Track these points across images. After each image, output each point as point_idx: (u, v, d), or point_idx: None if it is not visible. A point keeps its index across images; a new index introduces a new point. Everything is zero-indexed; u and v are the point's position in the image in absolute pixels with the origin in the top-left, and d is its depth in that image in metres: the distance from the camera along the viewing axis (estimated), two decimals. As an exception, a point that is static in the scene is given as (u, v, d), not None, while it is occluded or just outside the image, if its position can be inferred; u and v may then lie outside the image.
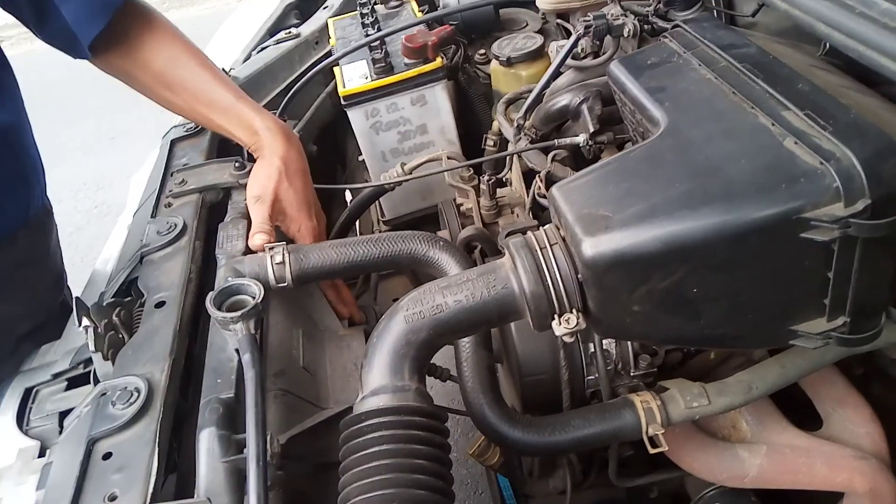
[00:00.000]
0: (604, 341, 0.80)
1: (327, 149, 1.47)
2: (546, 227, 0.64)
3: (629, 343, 0.80)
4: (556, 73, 1.01)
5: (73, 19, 0.90)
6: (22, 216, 0.99)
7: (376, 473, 0.55)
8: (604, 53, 0.99)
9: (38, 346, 0.93)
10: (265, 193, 0.89)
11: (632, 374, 0.80)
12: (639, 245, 0.56)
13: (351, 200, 1.27)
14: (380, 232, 1.33)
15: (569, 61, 0.99)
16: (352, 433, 0.59)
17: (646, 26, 0.92)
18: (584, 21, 0.94)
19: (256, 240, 0.84)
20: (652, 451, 0.72)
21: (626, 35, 0.92)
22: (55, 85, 3.71)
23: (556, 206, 0.62)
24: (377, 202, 1.29)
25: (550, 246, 0.61)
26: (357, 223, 1.25)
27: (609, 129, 0.97)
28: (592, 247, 0.57)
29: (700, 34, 0.74)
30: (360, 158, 1.37)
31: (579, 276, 0.60)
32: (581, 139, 0.94)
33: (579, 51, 0.99)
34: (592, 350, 0.81)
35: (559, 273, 0.60)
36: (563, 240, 0.62)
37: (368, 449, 0.57)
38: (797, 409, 0.83)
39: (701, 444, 0.82)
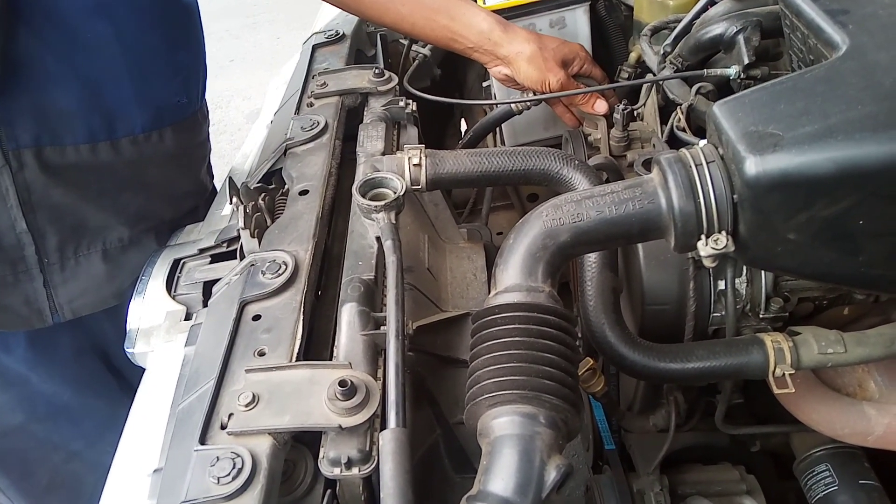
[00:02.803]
0: (735, 280, 0.78)
1: (448, 75, 1.47)
2: (701, 143, 0.62)
3: (762, 284, 0.78)
4: (712, 1, 0.95)
5: None
6: (200, 99, 1.08)
7: (507, 361, 0.57)
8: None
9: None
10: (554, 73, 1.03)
11: (760, 316, 0.78)
12: (810, 166, 0.54)
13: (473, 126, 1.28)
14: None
15: (728, -11, 0.93)
16: (484, 323, 0.61)
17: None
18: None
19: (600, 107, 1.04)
20: (777, 391, 0.70)
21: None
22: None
23: (717, 124, 0.60)
24: (499, 129, 1.28)
25: (707, 163, 0.59)
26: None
27: (764, 64, 0.91)
28: (757, 165, 0.55)
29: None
30: (486, 84, 1.37)
31: (734, 196, 0.58)
32: (732, 71, 0.89)
33: (741, -22, 0.92)
34: (722, 287, 0.79)
35: (713, 191, 0.58)
36: (721, 158, 0.59)
37: (501, 338, 0.59)
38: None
39: (823, 396, 0.79)
